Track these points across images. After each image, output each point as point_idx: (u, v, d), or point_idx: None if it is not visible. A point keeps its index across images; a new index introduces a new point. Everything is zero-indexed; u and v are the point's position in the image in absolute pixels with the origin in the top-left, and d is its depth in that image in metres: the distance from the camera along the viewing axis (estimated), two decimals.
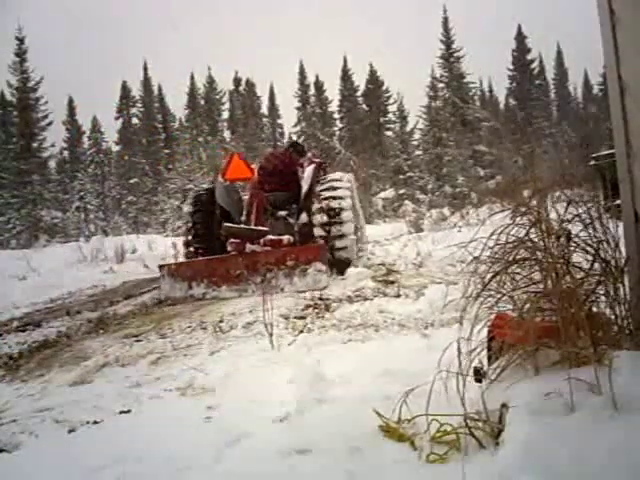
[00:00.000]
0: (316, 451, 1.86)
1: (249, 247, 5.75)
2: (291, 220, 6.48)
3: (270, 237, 5.83)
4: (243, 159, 7.71)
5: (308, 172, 6.74)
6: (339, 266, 5.88)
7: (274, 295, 4.15)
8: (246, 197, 6.83)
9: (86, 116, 42.51)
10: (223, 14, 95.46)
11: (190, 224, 6.71)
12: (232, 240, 5.83)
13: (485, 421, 1.68)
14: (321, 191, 6.20)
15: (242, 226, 6.08)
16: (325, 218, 5.97)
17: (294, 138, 38.03)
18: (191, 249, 6.53)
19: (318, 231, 6.03)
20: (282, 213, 6.48)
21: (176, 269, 5.95)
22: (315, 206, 6.08)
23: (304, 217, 6.39)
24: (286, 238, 5.90)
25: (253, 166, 7.39)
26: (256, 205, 6.21)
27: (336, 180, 6.38)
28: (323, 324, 3.98)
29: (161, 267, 6.07)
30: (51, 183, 27.90)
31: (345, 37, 76.68)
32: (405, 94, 48.25)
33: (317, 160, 7.10)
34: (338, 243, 5.93)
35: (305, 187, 6.59)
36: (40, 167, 26.43)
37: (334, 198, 6.04)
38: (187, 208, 6.97)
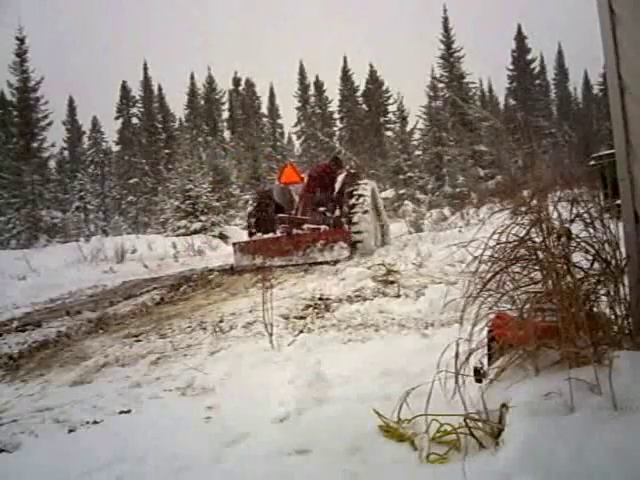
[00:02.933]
0: (316, 451, 1.86)
1: (295, 231, 7.94)
2: (328, 213, 8.61)
3: (310, 225, 8.08)
4: (294, 168, 10.18)
5: (340, 179, 8.95)
6: (355, 247, 7.90)
7: (274, 294, 4.15)
8: (296, 195, 9.28)
9: (86, 116, 42.70)
10: (223, 14, 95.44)
11: (253, 213, 8.95)
12: (282, 225, 8.18)
13: (485, 421, 1.68)
14: (349, 197, 8.29)
15: (290, 215, 8.44)
16: (349, 217, 8.19)
17: (294, 139, 37.96)
18: (253, 230, 8.72)
19: (345, 224, 8.23)
20: (321, 209, 8.62)
21: (244, 246, 8.19)
22: (344, 209, 8.26)
23: (337, 212, 8.61)
24: (322, 227, 8.05)
25: (302, 175, 9.78)
26: (303, 203, 8.66)
27: (360, 189, 8.38)
28: (323, 324, 3.98)
29: (234, 244, 8.53)
30: (51, 183, 27.74)
31: (345, 37, 76.74)
32: (405, 94, 48.41)
33: (351, 171, 9.43)
34: (356, 235, 7.98)
35: (337, 190, 8.83)
36: (40, 167, 26.28)
37: (356, 205, 8.15)
38: (250, 202, 9.70)
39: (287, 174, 9.69)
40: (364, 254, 7.75)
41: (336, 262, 7.16)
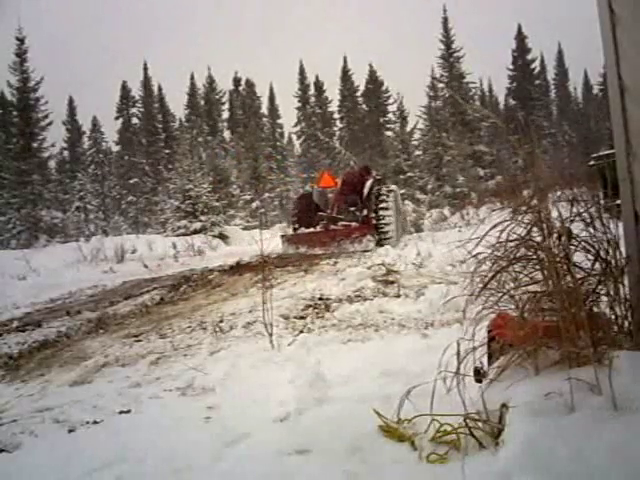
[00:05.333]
0: (316, 451, 1.86)
1: (332, 227, 9.96)
2: (357, 213, 10.40)
3: (344, 222, 10.02)
4: (330, 175, 12.10)
5: (368, 184, 10.81)
6: (381, 240, 9.70)
7: (274, 294, 4.15)
8: (331, 196, 11.24)
9: (86, 116, 42.53)
10: (223, 14, 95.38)
11: (297, 212, 11.13)
12: (322, 222, 10.19)
13: (485, 421, 1.68)
14: (376, 198, 10.30)
15: (329, 214, 10.39)
16: (376, 215, 10.14)
17: (294, 139, 37.87)
18: (296, 226, 10.82)
19: (373, 221, 10.08)
20: (352, 209, 10.42)
21: (290, 238, 10.33)
22: (371, 208, 10.18)
23: (365, 212, 10.41)
24: (354, 224, 9.96)
25: (337, 180, 11.70)
26: (337, 203, 10.61)
27: (385, 193, 10.41)
28: (323, 324, 3.98)
29: (282, 236, 10.64)
30: (51, 183, 27.72)
31: (345, 37, 76.69)
32: (405, 94, 48.40)
33: (377, 177, 11.52)
34: (382, 229, 9.91)
35: (365, 193, 10.64)
36: (40, 167, 26.25)
37: (382, 202, 10.17)
38: (294, 203, 11.97)
39: (324, 180, 11.78)
40: (388, 244, 9.43)
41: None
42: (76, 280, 7.96)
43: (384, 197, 10.24)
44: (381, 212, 10.01)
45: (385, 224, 9.90)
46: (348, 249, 9.02)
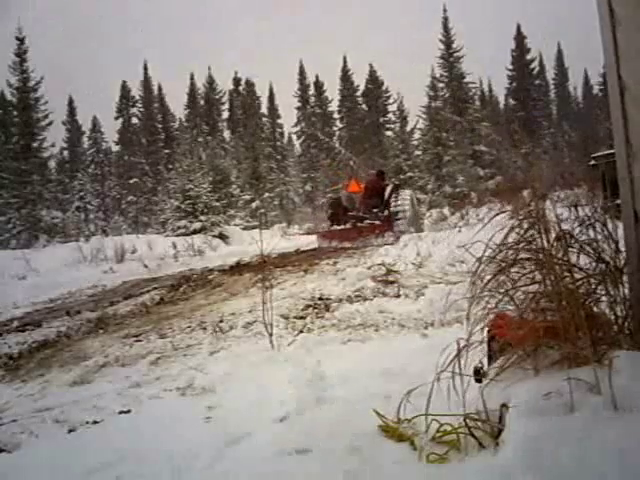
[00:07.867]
0: (316, 451, 1.86)
1: (359, 225, 12.10)
2: (380, 213, 12.42)
3: (369, 221, 12.16)
4: (357, 181, 14.05)
5: (388, 188, 12.96)
6: (398, 233, 11.25)
7: (274, 294, 4.15)
8: (357, 200, 13.36)
9: (86, 116, 42.53)
10: (223, 14, 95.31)
11: (330, 213, 13.29)
12: (351, 221, 12.39)
13: (485, 421, 1.68)
14: (395, 201, 12.48)
15: (356, 214, 12.57)
16: (396, 215, 12.27)
17: (294, 139, 37.70)
18: (329, 223, 13.11)
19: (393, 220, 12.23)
20: (375, 210, 12.48)
21: (324, 234, 12.79)
22: (391, 209, 12.33)
23: (385, 212, 12.44)
24: (377, 222, 12.03)
25: (362, 185, 13.78)
26: (363, 205, 12.74)
27: (401, 196, 12.64)
28: (323, 324, 3.98)
29: (317, 233, 13.81)
30: (51, 183, 27.70)
31: (345, 37, 76.64)
32: (405, 94, 48.41)
33: (396, 183, 14.39)
34: (400, 227, 11.84)
35: (386, 196, 12.69)
36: (40, 167, 26.22)
37: (399, 205, 12.35)
38: (327, 205, 14.69)
39: (352, 186, 13.88)
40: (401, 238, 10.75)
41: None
42: (76, 280, 7.97)
43: (402, 200, 12.46)
44: (400, 214, 12.13)
45: (403, 218, 12.05)
46: (373, 243, 10.75)
